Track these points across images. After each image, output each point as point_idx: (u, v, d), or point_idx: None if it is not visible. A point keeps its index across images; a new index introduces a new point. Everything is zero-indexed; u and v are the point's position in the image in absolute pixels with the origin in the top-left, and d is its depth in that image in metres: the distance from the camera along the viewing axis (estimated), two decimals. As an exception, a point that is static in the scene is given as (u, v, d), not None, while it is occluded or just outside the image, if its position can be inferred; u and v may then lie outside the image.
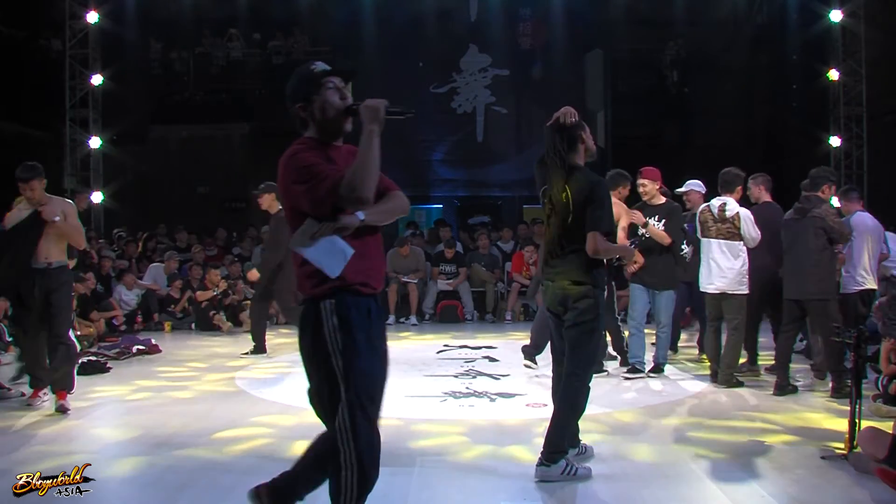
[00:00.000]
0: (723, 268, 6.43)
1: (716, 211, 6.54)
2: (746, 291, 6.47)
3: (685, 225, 7.23)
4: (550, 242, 4.34)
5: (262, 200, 8.37)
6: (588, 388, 4.27)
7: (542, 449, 4.18)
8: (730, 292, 6.45)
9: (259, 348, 8.32)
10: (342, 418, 2.84)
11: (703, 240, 6.60)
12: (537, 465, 4.17)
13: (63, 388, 5.80)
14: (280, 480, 3.09)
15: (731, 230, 6.44)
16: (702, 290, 6.66)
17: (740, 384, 6.50)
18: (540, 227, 12.36)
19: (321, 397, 2.93)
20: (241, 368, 7.66)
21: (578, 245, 4.19)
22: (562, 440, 4.20)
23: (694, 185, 7.51)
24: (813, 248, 6.05)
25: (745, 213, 6.49)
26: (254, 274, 8.63)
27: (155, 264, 11.52)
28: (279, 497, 3.06)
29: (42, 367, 5.92)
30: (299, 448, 4.77)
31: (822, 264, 6.06)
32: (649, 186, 6.88)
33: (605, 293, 4.41)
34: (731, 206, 6.49)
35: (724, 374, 6.48)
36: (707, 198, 7.10)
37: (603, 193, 4.20)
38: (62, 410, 5.67)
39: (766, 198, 7.06)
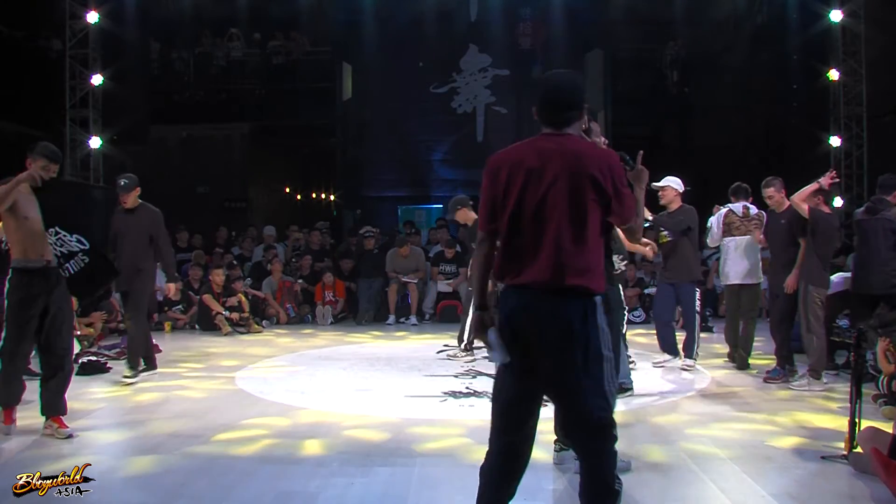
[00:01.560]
0: (753, 261, 7.39)
1: (740, 211, 7.48)
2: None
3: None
4: None
5: (128, 198, 7.21)
6: (617, 380, 4.29)
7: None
8: (755, 282, 7.45)
9: (152, 363, 7.42)
10: (612, 397, 3.04)
11: (728, 238, 7.48)
12: (575, 459, 4.19)
13: (61, 412, 5.13)
14: None
15: (757, 226, 7.37)
16: (729, 283, 7.52)
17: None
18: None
19: (594, 377, 2.96)
20: (241, 368, 7.66)
21: None
22: None
23: (672, 182, 7.30)
24: (881, 247, 6.49)
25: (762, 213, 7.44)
26: (171, 288, 7.54)
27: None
28: None
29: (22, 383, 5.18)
30: (299, 448, 4.80)
31: (889, 262, 6.47)
32: None
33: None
34: (752, 207, 7.53)
35: (742, 358, 7.40)
36: (689, 196, 7.44)
37: None
38: (69, 436, 5.03)
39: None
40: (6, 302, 5.03)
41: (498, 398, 3.09)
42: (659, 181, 7.24)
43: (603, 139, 4.44)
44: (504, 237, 3.09)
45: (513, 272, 3.03)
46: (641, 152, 4.30)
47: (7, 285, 5.05)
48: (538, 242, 2.99)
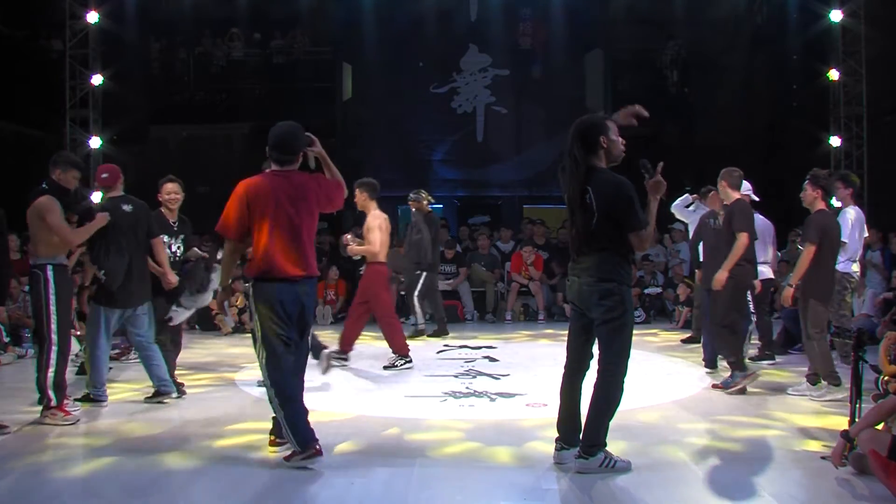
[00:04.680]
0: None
1: None
2: None
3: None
4: (575, 242, 4.32)
5: None
6: (623, 381, 4.26)
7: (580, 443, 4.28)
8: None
9: None
10: None
11: None
12: (576, 458, 4.25)
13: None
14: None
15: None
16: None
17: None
18: (539, 227, 12.42)
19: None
20: (241, 369, 7.66)
21: (604, 244, 4.17)
22: (598, 433, 4.24)
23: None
24: None
25: None
26: None
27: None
28: None
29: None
30: (299, 448, 4.79)
31: None
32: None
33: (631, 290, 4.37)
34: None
35: None
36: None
37: (627, 192, 4.16)
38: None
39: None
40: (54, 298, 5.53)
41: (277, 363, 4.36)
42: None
43: (621, 140, 4.44)
44: (264, 243, 4.27)
45: (279, 267, 4.27)
46: (661, 164, 4.30)
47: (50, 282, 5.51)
48: (297, 246, 4.32)
